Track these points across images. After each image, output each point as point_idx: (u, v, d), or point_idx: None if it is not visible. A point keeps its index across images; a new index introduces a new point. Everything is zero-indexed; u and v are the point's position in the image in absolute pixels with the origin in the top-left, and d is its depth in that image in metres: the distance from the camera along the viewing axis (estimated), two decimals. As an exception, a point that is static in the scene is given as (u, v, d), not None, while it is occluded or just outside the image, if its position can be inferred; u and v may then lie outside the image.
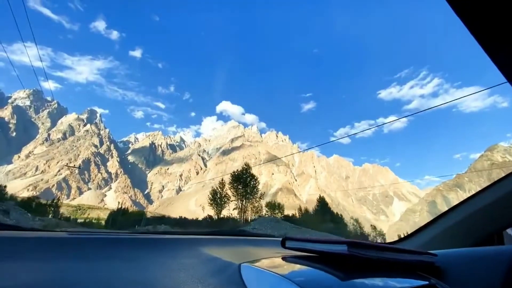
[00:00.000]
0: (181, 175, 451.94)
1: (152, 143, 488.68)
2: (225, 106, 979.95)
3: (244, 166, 47.95)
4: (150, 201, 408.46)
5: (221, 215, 41.71)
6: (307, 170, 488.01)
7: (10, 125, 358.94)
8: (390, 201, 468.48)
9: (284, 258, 0.94)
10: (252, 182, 45.45)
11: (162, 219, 45.72)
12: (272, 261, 0.94)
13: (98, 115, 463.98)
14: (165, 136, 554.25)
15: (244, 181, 44.48)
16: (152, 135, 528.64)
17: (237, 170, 48.00)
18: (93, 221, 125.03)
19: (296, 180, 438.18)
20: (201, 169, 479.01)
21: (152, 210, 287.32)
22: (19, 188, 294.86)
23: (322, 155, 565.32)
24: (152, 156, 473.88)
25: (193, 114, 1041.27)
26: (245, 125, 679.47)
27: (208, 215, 42.28)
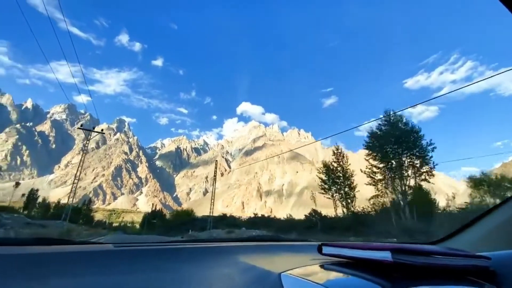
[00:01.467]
0: (206, 177, 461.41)
1: (178, 148, 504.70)
2: (245, 107, 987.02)
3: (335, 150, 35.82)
4: (179, 203, 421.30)
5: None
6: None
7: (50, 138, 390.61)
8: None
9: (323, 266, 0.90)
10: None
11: (254, 223, 35.78)
12: (312, 270, 0.88)
13: (126, 124, 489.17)
14: (189, 140, 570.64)
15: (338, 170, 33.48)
16: (177, 140, 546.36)
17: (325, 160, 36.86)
18: (128, 224, 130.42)
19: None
20: (226, 170, 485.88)
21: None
22: (61, 195, 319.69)
23: (347, 151, 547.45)
24: (178, 160, 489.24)
25: (214, 117, 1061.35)
26: (266, 124, 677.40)
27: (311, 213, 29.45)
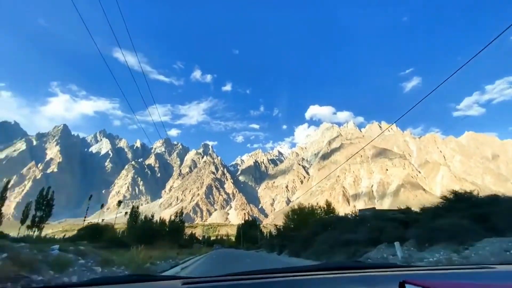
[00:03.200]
0: (287, 186, 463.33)
1: (256, 162, 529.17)
2: (314, 110, 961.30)
3: None
4: (265, 215, 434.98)
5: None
6: (432, 157, 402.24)
7: (156, 169, 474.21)
8: None
9: None
10: None
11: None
12: None
13: (210, 147, 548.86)
14: (265, 152, 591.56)
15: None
16: (254, 154, 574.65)
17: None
18: (224, 237, 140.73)
19: (420, 172, 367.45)
20: (304, 177, 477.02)
21: (269, 222, 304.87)
22: (168, 215, 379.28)
23: (447, 137, 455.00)
24: (258, 173, 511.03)
25: (284, 126, 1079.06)
26: (339, 124, 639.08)
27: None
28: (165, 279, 1.12)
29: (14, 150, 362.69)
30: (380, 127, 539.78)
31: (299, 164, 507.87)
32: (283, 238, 30.18)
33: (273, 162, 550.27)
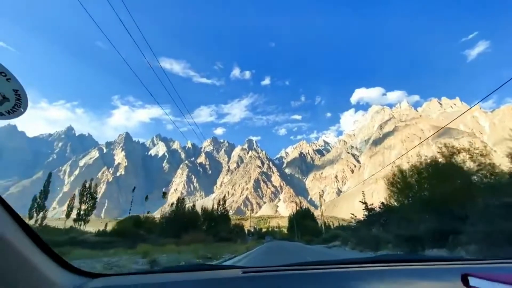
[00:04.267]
0: (336, 177, 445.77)
1: (301, 153, 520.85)
2: (360, 94, 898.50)
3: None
4: (315, 206, 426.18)
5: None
6: None
7: (207, 166, 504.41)
8: None
9: None
10: None
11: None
12: None
13: (254, 142, 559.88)
14: (309, 143, 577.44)
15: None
16: (299, 146, 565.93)
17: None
18: (275, 229, 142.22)
19: (495, 151, 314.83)
20: (355, 166, 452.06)
21: (320, 213, 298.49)
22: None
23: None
24: (303, 165, 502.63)
25: (328, 114, 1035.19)
26: (390, 105, 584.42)
27: None
28: (226, 268, 1.18)
29: (90, 158, 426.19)
30: (440, 104, 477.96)
31: (348, 153, 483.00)
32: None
33: (319, 152, 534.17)
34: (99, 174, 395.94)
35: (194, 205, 38.26)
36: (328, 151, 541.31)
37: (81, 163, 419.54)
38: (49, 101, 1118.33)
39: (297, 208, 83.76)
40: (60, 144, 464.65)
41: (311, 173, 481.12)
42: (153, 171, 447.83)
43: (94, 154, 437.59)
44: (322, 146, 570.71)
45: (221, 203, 42.75)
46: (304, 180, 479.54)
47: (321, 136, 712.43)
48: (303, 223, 62.07)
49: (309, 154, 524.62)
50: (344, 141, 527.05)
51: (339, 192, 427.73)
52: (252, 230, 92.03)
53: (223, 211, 41.75)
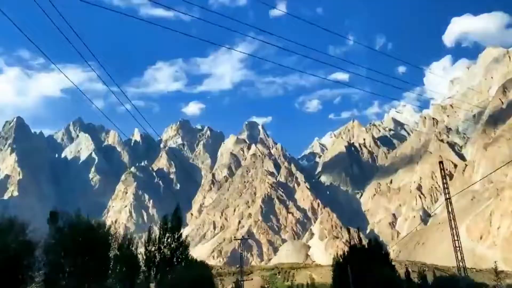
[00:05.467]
0: (419, 188, 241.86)
1: (350, 144, 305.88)
2: (462, 27, 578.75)
3: None
4: (380, 245, 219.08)
5: None
6: None
7: (171, 176, 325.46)
8: None
9: None
10: None
11: None
12: None
13: (260, 127, 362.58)
14: (365, 125, 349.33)
15: None
16: (345, 131, 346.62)
17: None
18: None
19: None
20: (455, 166, 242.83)
21: (392, 257, 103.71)
22: (202, 254, 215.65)
23: None
24: (356, 167, 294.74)
25: (401, 69, 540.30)
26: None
27: None
28: None
29: None
30: None
31: (441, 141, 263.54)
32: None
33: (385, 142, 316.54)
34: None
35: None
36: (402, 139, 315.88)
37: None
38: None
39: (348, 245, 42.79)
40: None
41: (371, 183, 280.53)
42: (72, 189, 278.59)
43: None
44: (390, 129, 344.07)
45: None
46: (357, 195, 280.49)
47: (388, 111, 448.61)
48: (366, 271, 31.37)
49: (365, 145, 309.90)
50: (434, 119, 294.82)
51: (425, 215, 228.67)
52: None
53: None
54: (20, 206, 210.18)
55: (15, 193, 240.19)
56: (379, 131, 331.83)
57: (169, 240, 23.98)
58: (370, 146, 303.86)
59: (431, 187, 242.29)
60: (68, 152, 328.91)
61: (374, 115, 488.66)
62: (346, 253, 42.08)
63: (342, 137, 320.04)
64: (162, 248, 23.20)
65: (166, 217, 24.84)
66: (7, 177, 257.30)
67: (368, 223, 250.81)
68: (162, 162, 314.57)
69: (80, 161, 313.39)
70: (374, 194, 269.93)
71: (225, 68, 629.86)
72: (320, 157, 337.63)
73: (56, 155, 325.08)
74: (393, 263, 44.29)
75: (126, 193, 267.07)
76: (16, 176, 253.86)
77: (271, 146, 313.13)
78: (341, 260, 42.60)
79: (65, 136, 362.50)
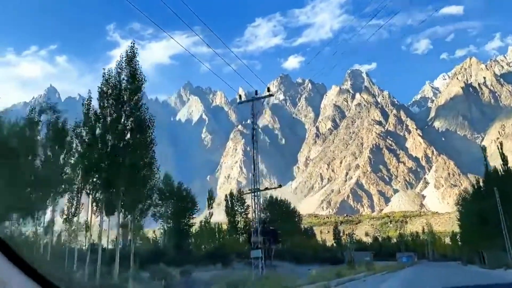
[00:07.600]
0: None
1: (467, 85, 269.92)
2: None
3: None
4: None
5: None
6: None
7: (276, 131, 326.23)
8: None
9: None
10: None
11: None
12: None
13: (364, 75, 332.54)
14: (486, 62, 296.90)
15: None
16: (461, 70, 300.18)
17: None
18: (421, 238, 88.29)
19: None
20: None
21: None
22: (311, 207, 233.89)
23: None
24: (475, 109, 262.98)
25: None
26: None
27: None
28: None
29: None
30: None
31: None
32: None
33: (510, 78, 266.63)
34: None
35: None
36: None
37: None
38: (16, 50, 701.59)
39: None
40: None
41: (494, 125, 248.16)
42: (188, 147, 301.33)
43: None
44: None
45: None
46: (477, 139, 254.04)
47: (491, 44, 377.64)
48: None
49: (485, 85, 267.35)
50: None
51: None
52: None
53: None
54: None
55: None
56: (502, 67, 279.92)
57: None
58: (491, 85, 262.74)
59: None
60: (181, 115, 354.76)
61: (495, 50, 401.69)
62: (463, 199, 42.11)
63: (457, 78, 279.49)
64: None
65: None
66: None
67: (488, 165, 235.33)
68: (266, 118, 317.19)
69: (193, 122, 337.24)
70: (498, 138, 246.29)
71: (323, 17, 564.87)
72: (432, 101, 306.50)
73: (172, 118, 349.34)
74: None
75: (236, 149, 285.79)
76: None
77: (377, 94, 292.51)
78: (461, 206, 42.54)
79: (177, 100, 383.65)
